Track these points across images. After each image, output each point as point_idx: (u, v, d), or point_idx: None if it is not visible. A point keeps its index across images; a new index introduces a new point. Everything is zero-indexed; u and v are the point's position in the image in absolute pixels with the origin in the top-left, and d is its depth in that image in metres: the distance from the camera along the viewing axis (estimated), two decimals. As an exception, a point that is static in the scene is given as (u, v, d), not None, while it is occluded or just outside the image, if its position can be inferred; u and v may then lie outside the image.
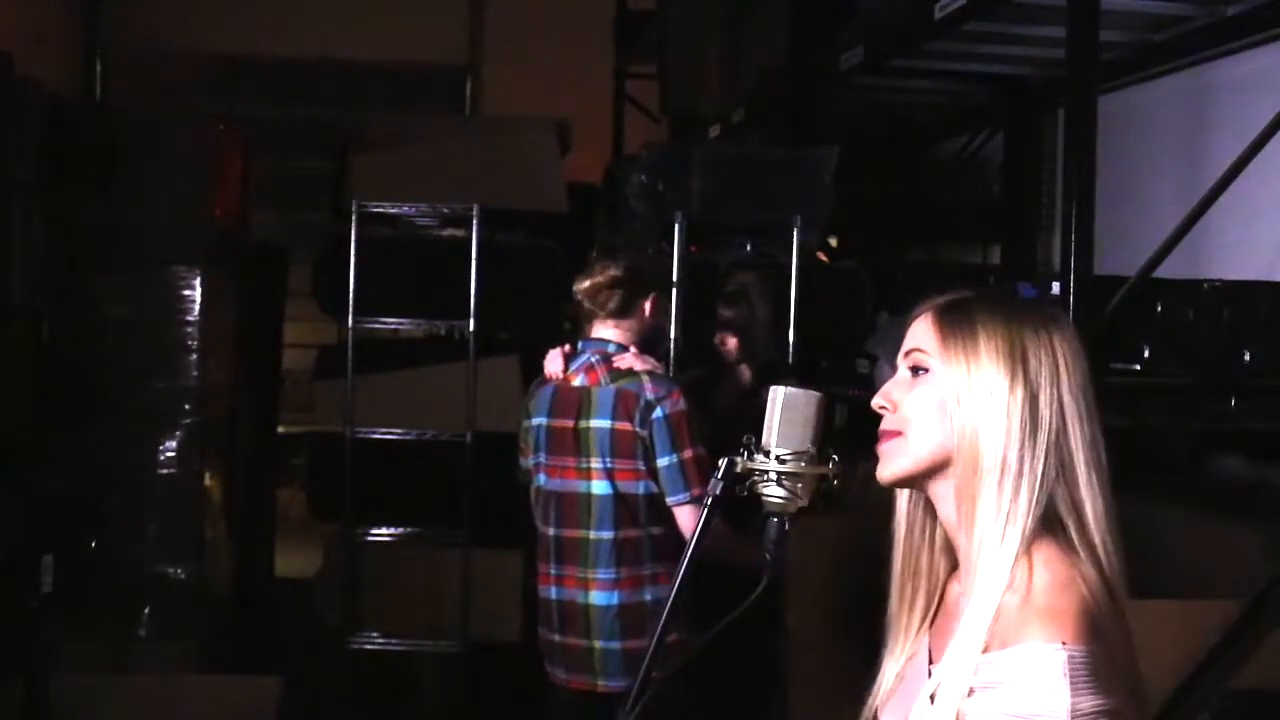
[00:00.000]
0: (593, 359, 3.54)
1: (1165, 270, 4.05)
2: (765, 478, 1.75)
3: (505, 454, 3.93)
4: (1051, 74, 6.32)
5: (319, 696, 5.51)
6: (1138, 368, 4.05)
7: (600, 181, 6.30)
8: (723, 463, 1.81)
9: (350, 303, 5.40)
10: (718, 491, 1.82)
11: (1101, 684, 1.45)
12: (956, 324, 1.60)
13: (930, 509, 1.65)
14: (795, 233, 4.80)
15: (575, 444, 3.50)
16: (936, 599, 1.67)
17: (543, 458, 3.58)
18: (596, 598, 3.47)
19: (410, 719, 5.93)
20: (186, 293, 5.30)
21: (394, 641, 5.46)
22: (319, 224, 6.86)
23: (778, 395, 1.77)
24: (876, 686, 1.68)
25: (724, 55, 7.59)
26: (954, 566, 1.64)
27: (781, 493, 1.75)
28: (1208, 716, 2.89)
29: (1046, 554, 1.52)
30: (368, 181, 5.63)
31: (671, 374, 4.16)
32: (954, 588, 1.64)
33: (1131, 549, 1.57)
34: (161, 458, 5.28)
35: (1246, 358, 4.08)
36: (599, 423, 3.48)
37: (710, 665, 2.42)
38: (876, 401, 1.65)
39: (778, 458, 1.75)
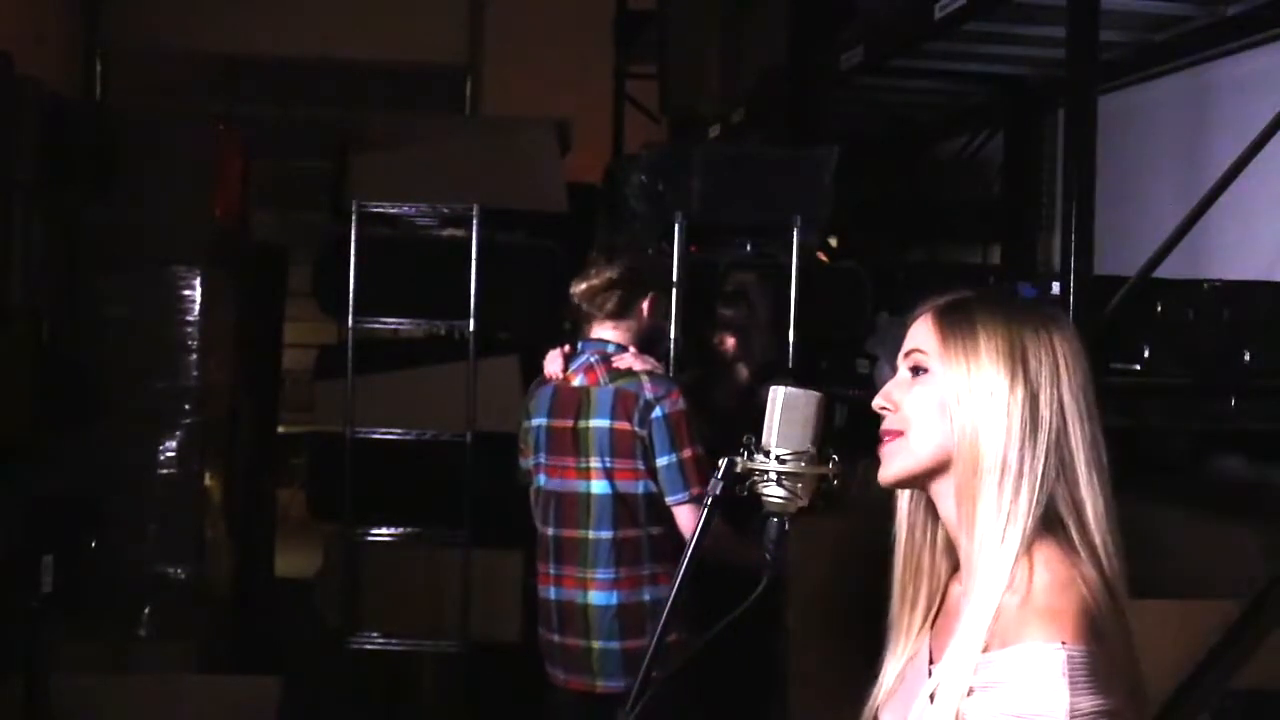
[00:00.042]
0: (592, 359, 3.54)
1: (1165, 270, 4.05)
2: (765, 478, 1.75)
3: (505, 454, 3.93)
4: (1051, 74, 6.32)
5: (319, 696, 5.51)
6: (1138, 368, 4.05)
7: (600, 181, 6.29)
8: (723, 463, 1.81)
9: (350, 303, 5.40)
10: (718, 491, 1.82)
11: (1101, 684, 1.45)
12: (956, 324, 1.60)
13: (932, 510, 1.65)
14: (795, 233, 4.80)
15: (575, 444, 3.50)
16: (938, 599, 1.67)
17: (542, 458, 3.58)
18: (595, 598, 3.47)
19: (410, 719, 5.93)
20: (186, 293, 5.30)
21: (394, 641, 5.46)
22: (319, 224, 6.85)
23: (778, 395, 1.77)
24: (877, 686, 1.68)
25: (724, 55, 7.59)
26: (955, 567, 1.65)
27: (781, 493, 1.75)
28: (1208, 716, 2.89)
29: (1047, 554, 1.52)
30: (368, 181, 5.63)
31: (671, 374, 4.16)
32: (955, 588, 1.64)
33: (1131, 549, 1.57)
34: (161, 458, 5.28)
35: (1246, 358, 4.08)
36: (598, 422, 3.48)
37: (710, 665, 2.42)
38: (877, 402, 1.65)
39: (778, 458, 1.75)
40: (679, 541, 3.40)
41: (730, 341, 4.60)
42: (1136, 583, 1.59)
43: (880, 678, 1.68)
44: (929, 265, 8.19)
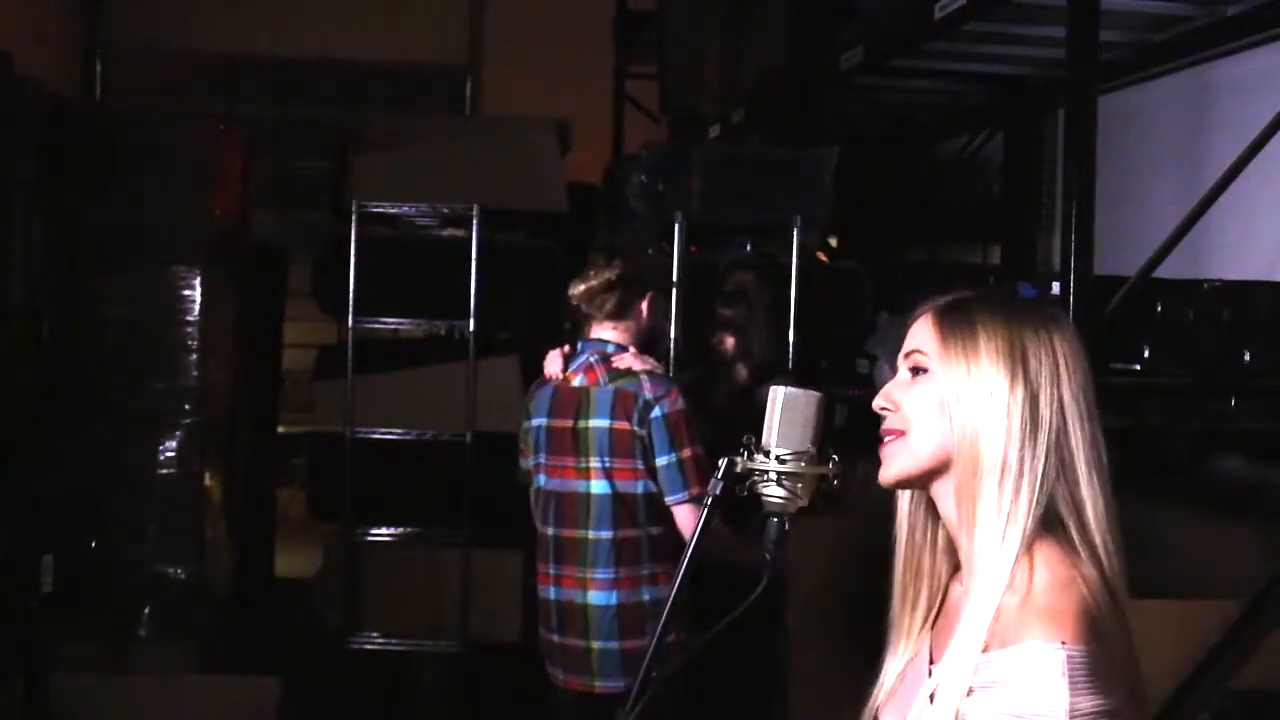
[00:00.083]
0: (592, 359, 3.54)
1: (1165, 270, 4.05)
2: (765, 478, 1.76)
3: (505, 454, 3.93)
4: (1051, 74, 6.32)
5: (319, 696, 5.51)
6: (1138, 368, 4.04)
7: (600, 181, 6.29)
8: (723, 463, 1.81)
9: (350, 303, 5.40)
10: (718, 491, 1.82)
11: (1101, 684, 1.45)
12: (956, 324, 1.60)
13: (932, 510, 1.65)
14: (795, 233, 4.80)
15: (574, 444, 3.50)
16: (938, 600, 1.67)
17: (542, 458, 3.58)
18: (595, 598, 3.47)
19: (410, 719, 5.93)
20: (186, 293, 5.30)
21: (394, 641, 5.46)
22: (319, 224, 6.85)
23: (778, 395, 1.77)
24: (877, 687, 1.68)
25: (724, 55, 7.59)
26: (956, 568, 1.65)
27: (781, 493, 1.75)
28: (1208, 716, 2.89)
29: (1047, 554, 1.52)
30: (368, 181, 5.62)
31: (671, 374, 4.16)
32: (956, 588, 1.64)
33: (1131, 549, 1.57)
34: (161, 458, 5.28)
35: (1246, 358, 4.08)
36: (598, 422, 3.48)
37: (710, 665, 2.42)
38: (878, 403, 1.65)
39: (778, 458, 1.75)
40: (678, 541, 3.40)
41: (730, 341, 4.60)
42: (1136, 583, 1.59)
43: (880, 678, 1.68)
44: (929, 265, 8.19)
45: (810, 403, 1.76)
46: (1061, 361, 1.57)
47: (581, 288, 3.57)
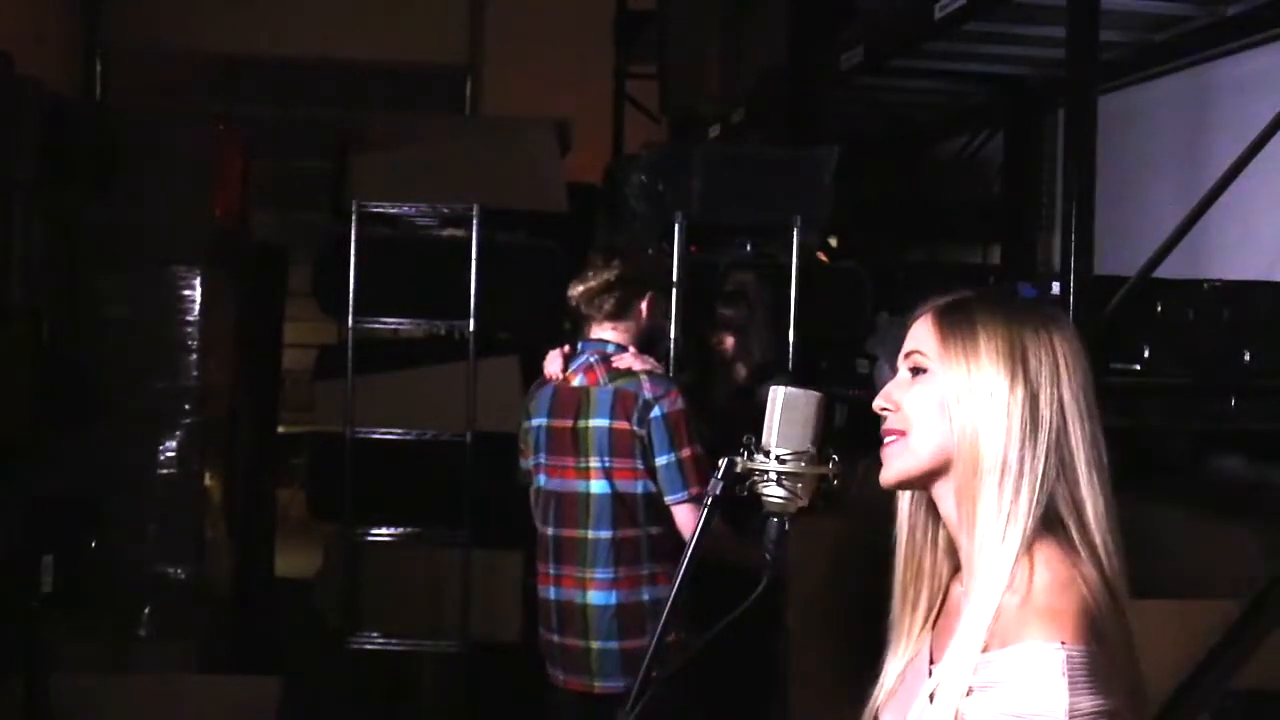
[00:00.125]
0: (591, 359, 3.54)
1: (1165, 270, 4.05)
2: (765, 478, 1.76)
3: (505, 454, 3.93)
4: (1051, 74, 6.32)
5: (319, 696, 5.51)
6: (1138, 368, 4.04)
7: (600, 181, 6.29)
8: (723, 463, 1.81)
9: (350, 303, 5.40)
10: (718, 491, 1.82)
11: (1101, 684, 1.45)
12: (956, 325, 1.60)
13: (933, 511, 1.65)
14: (795, 233, 4.80)
15: (574, 444, 3.51)
16: (939, 600, 1.67)
17: (542, 458, 3.58)
18: (594, 597, 3.47)
19: (410, 719, 5.93)
20: (186, 293, 5.30)
21: (394, 641, 5.46)
22: (319, 224, 6.85)
23: (778, 395, 1.77)
24: (878, 687, 1.68)
25: (724, 55, 7.59)
26: (957, 568, 1.64)
27: (781, 493, 1.75)
28: (1208, 716, 2.89)
29: (1047, 554, 1.52)
30: (368, 181, 5.62)
31: (671, 374, 4.16)
32: (956, 589, 1.64)
33: (1131, 549, 1.57)
34: (161, 458, 5.28)
35: (1246, 358, 4.08)
36: (597, 422, 3.48)
37: (710, 665, 2.42)
38: (878, 403, 1.65)
39: (778, 458, 1.75)
40: (678, 541, 3.40)
41: (729, 341, 4.60)
42: (1136, 583, 1.59)
43: (881, 678, 1.68)
44: (929, 265, 8.18)
45: (810, 403, 1.76)
46: (1061, 361, 1.57)
47: (580, 289, 3.57)
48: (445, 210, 5.63)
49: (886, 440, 1.63)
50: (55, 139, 5.18)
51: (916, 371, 1.63)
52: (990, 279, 7.00)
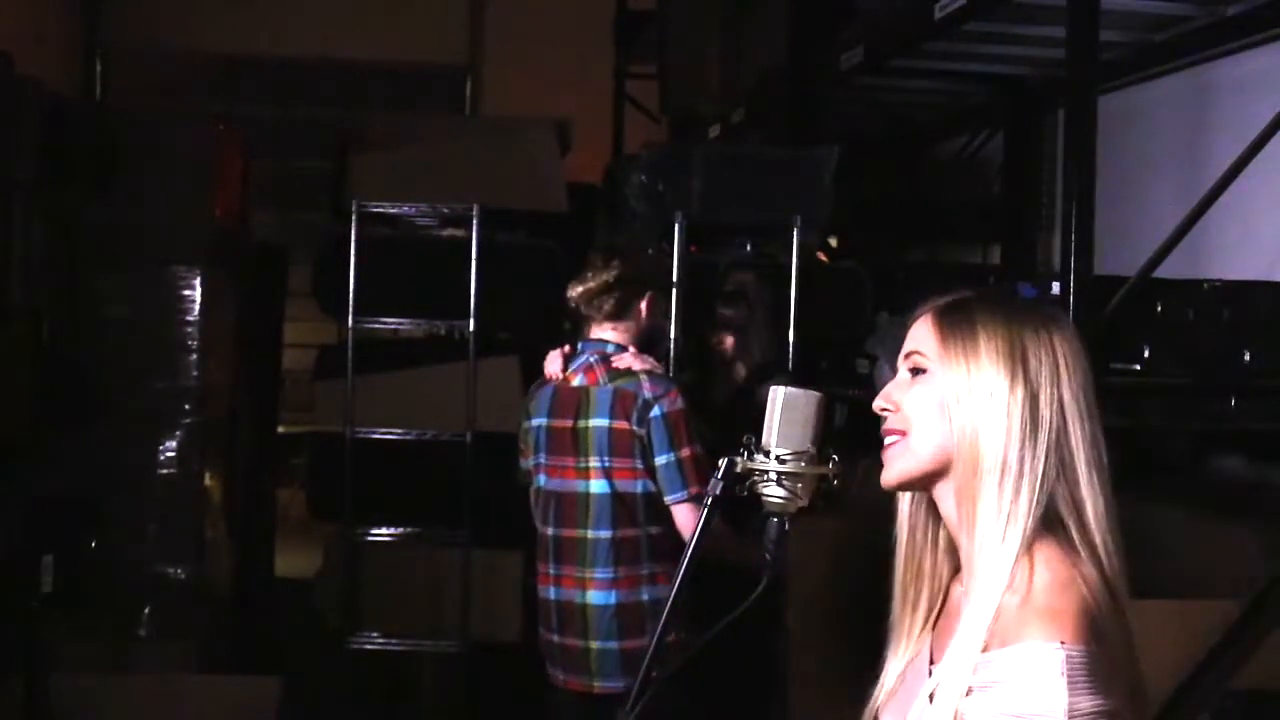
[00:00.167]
0: (591, 359, 3.54)
1: (1165, 270, 4.05)
2: (765, 478, 1.76)
3: (505, 454, 3.93)
4: (1051, 74, 6.32)
5: (319, 696, 5.51)
6: (1138, 368, 4.04)
7: (600, 181, 6.29)
8: (723, 463, 1.81)
9: (350, 303, 5.40)
10: (718, 491, 1.82)
11: (1100, 684, 1.45)
12: (956, 325, 1.60)
13: (933, 511, 1.65)
14: (795, 233, 4.80)
15: (574, 443, 3.51)
16: (939, 601, 1.67)
17: (542, 458, 3.58)
18: (594, 597, 3.47)
19: (410, 719, 5.93)
20: (186, 293, 5.30)
21: (394, 641, 5.46)
22: (319, 224, 6.85)
23: (778, 395, 1.77)
24: (878, 688, 1.68)
25: (724, 55, 7.58)
26: (957, 568, 1.64)
27: (781, 493, 1.75)
28: (1208, 716, 2.89)
29: (1047, 554, 1.52)
30: (368, 181, 5.62)
31: (671, 374, 4.16)
32: (957, 589, 1.64)
33: (1131, 549, 1.57)
34: (161, 458, 5.28)
35: (1246, 358, 4.08)
36: (597, 422, 3.48)
37: (710, 665, 2.42)
38: (878, 404, 1.65)
39: (778, 458, 1.75)
40: (678, 541, 3.40)
41: (729, 341, 4.60)
42: (1136, 583, 1.59)
43: (881, 679, 1.68)
44: (929, 265, 8.18)
45: (810, 403, 1.76)
46: (1061, 361, 1.57)
47: (579, 289, 3.57)
48: (445, 210, 5.63)
49: (887, 441, 1.63)
50: (55, 139, 5.18)
51: (916, 372, 1.63)
52: (990, 279, 7.00)
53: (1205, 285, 4.25)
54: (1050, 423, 1.55)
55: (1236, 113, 5.43)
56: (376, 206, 5.52)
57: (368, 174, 5.70)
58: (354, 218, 5.40)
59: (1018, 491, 1.53)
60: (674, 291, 4.52)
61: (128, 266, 5.28)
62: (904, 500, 1.68)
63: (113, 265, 5.28)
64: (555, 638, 3.55)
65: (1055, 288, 4.08)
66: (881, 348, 4.79)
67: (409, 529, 5.49)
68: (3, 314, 4.86)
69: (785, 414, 1.76)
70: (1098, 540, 1.55)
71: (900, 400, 1.62)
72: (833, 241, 7.21)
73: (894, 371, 1.66)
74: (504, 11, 11.94)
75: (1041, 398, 1.55)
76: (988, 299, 1.63)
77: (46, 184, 5.15)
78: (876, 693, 1.68)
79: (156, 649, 5.10)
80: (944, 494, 1.61)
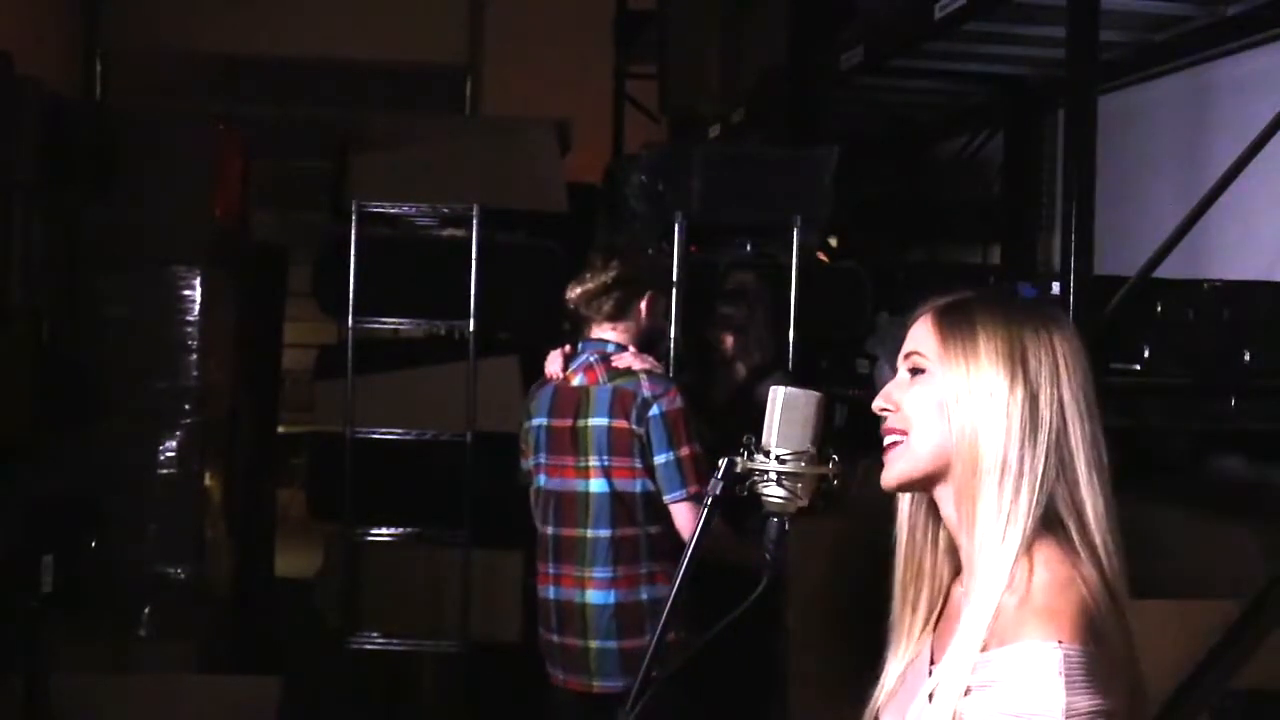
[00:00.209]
0: (591, 359, 3.54)
1: (1165, 270, 4.05)
2: (765, 478, 1.76)
3: (505, 454, 3.93)
4: (1051, 74, 6.31)
5: (319, 696, 5.51)
6: (1138, 368, 4.04)
7: (600, 181, 6.29)
8: (723, 462, 1.81)
9: (350, 303, 5.40)
10: (717, 491, 1.82)
11: (1098, 684, 1.45)
12: (956, 325, 1.60)
13: (933, 511, 1.65)
14: (795, 233, 4.80)
15: (573, 443, 3.51)
16: (940, 601, 1.67)
17: (542, 458, 3.58)
18: (593, 596, 3.47)
19: (410, 719, 5.93)
20: (186, 293, 5.30)
21: (394, 641, 5.46)
22: (319, 224, 6.85)
23: (778, 395, 1.77)
24: (878, 688, 1.68)
25: (724, 55, 7.58)
26: (958, 569, 1.64)
27: (781, 493, 1.75)
28: (1208, 716, 2.89)
29: (1047, 554, 1.52)
30: (368, 181, 5.62)
31: (671, 373, 4.16)
32: (957, 590, 1.64)
33: (1131, 549, 1.57)
34: (161, 458, 5.27)
35: (1246, 358, 4.08)
36: (597, 421, 3.48)
37: (710, 665, 2.42)
38: (878, 404, 1.65)
39: (778, 458, 1.75)
40: (677, 540, 3.40)
41: (729, 340, 4.60)
42: (1136, 583, 1.59)
43: (881, 679, 1.68)
44: (929, 265, 8.18)
45: (810, 403, 1.76)
46: (1061, 361, 1.57)
47: (578, 290, 3.57)
48: (445, 210, 5.63)
49: (887, 441, 1.63)
50: (55, 139, 5.18)
51: (916, 372, 1.63)
52: (990, 279, 7.00)
53: (1205, 285, 4.25)
54: (1050, 423, 1.55)
55: (1236, 113, 5.43)
56: (376, 206, 5.52)
57: (368, 174, 5.70)
58: (354, 218, 5.40)
59: (1017, 491, 1.53)
60: (674, 291, 4.52)
61: (128, 266, 5.28)
62: (904, 500, 1.68)
63: (113, 265, 5.28)
64: (555, 637, 3.55)
65: (1055, 288, 4.08)
66: (881, 348, 4.79)
67: (409, 529, 5.49)
68: (3, 314, 4.86)
69: (785, 414, 1.76)
70: (1098, 541, 1.55)
71: (900, 400, 1.62)
72: (833, 241, 7.20)
73: (894, 371, 1.66)
74: (504, 11, 11.94)
75: (1041, 398, 1.55)
76: (988, 299, 1.63)
77: (46, 184, 5.15)
78: (877, 693, 1.68)
79: (156, 649, 5.10)
80: (944, 494, 1.61)
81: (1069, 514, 1.55)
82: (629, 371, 3.49)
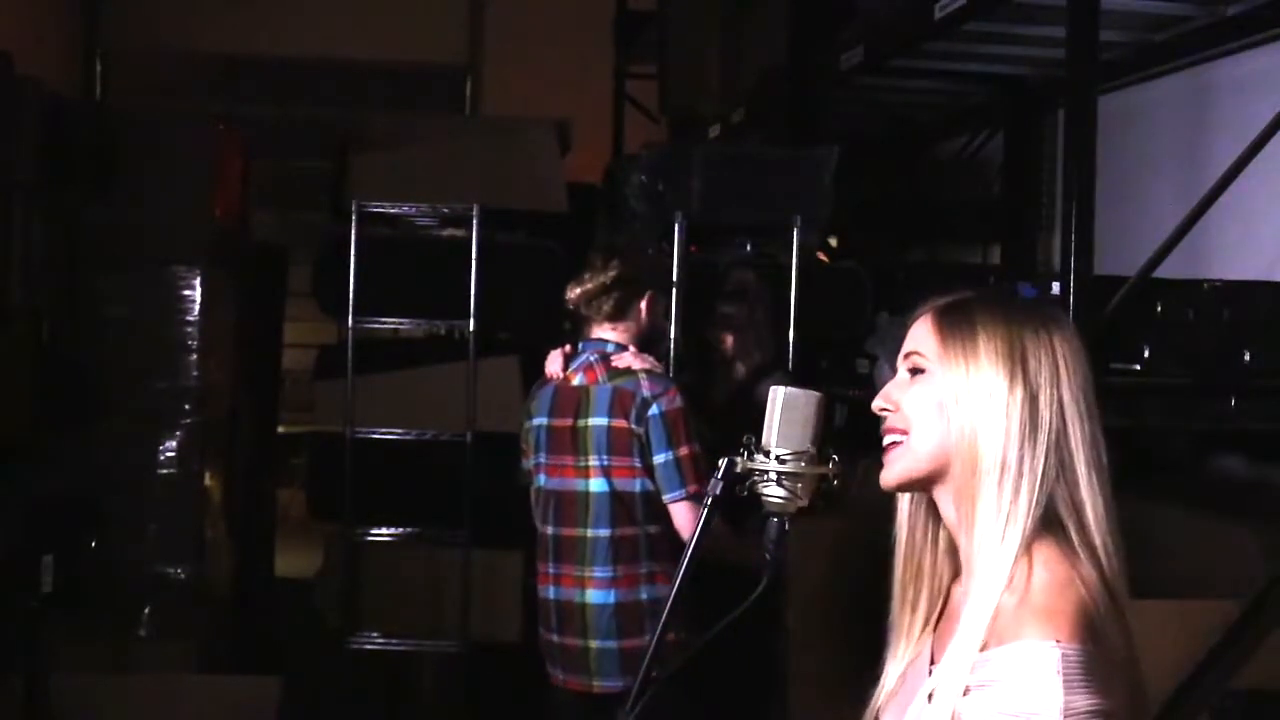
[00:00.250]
0: (591, 358, 3.54)
1: (1165, 270, 4.05)
2: (765, 478, 1.76)
3: (505, 454, 3.93)
4: (1051, 74, 6.32)
5: (319, 696, 5.51)
6: (1138, 368, 4.04)
7: (600, 181, 6.29)
8: (722, 462, 1.81)
9: (350, 303, 5.40)
10: (717, 491, 1.82)
11: (1097, 684, 1.45)
12: (956, 325, 1.60)
13: (933, 511, 1.65)
14: (795, 233, 4.80)
15: (573, 442, 3.51)
16: (940, 602, 1.67)
17: (543, 458, 3.58)
18: (593, 596, 3.47)
19: (410, 719, 5.93)
20: (186, 293, 5.30)
21: (394, 641, 5.46)
22: (319, 224, 6.85)
23: (778, 395, 1.77)
24: (878, 688, 1.68)
25: (724, 55, 7.59)
26: (958, 569, 1.64)
27: (781, 493, 1.75)
28: (1208, 716, 2.89)
29: (1046, 554, 1.52)
30: (368, 181, 5.62)
31: (671, 373, 4.16)
32: (957, 590, 1.64)
33: (1131, 549, 1.57)
34: (161, 458, 5.28)
35: (1246, 358, 4.08)
36: (596, 420, 3.48)
37: (710, 665, 2.42)
38: (877, 404, 1.65)
39: (778, 458, 1.75)
40: (676, 540, 3.40)
41: (729, 340, 4.60)
42: (1136, 583, 1.59)
43: (881, 679, 1.68)
44: (929, 265, 8.18)
45: (810, 403, 1.76)
46: (1061, 362, 1.57)
47: (578, 291, 3.57)
48: (445, 210, 5.63)
49: (886, 441, 1.63)
50: (55, 139, 5.18)
51: (916, 372, 1.63)
52: (990, 279, 7.00)
53: (1205, 285, 4.26)
54: (1050, 423, 1.55)
55: (1236, 113, 5.43)
56: (376, 206, 5.52)
57: (368, 174, 5.70)
58: (354, 218, 5.39)
59: (1017, 491, 1.53)
60: (674, 291, 4.52)
61: (128, 266, 5.28)
62: (904, 500, 1.68)
63: (113, 265, 5.28)
64: (555, 637, 3.55)
65: (1055, 288, 4.08)
66: (881, 348, 4.80)
67: (409, 529, 5.49)
68: (3, 314, 4.86)
69: (785, 414, 1.76)
70: (1097, 541, 1.55)
71: (900, 400, 1.62)
72: (833, 241, 7.21)
73: (894, 371, 1.66)
74: (504, 11, 11.94)
75: (1041, 398, 1.55)
76: (988, 299, 1.63)
77: (46, 184, 5.15)
78: (876, 693, 1.68)
79: (156, 649, 5.10)
80: (943, 494, 1.61)
81: (1069, 514, 1.55)
82: (629, 371, 3.49)
